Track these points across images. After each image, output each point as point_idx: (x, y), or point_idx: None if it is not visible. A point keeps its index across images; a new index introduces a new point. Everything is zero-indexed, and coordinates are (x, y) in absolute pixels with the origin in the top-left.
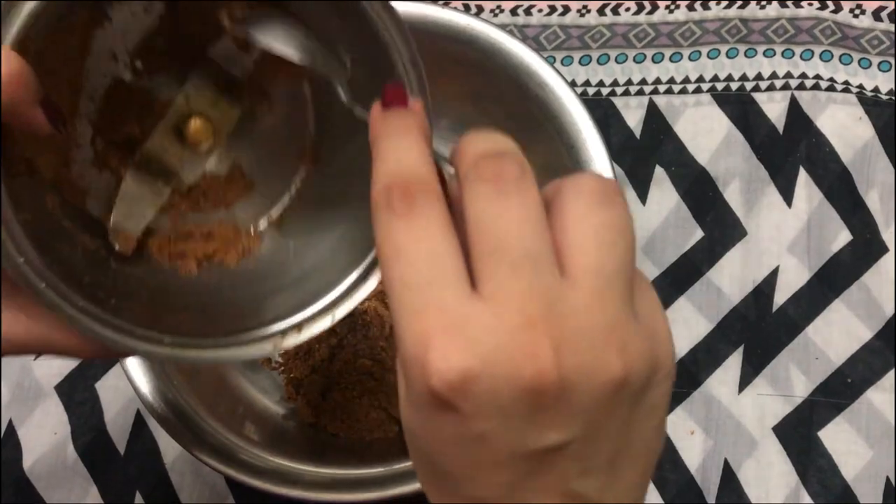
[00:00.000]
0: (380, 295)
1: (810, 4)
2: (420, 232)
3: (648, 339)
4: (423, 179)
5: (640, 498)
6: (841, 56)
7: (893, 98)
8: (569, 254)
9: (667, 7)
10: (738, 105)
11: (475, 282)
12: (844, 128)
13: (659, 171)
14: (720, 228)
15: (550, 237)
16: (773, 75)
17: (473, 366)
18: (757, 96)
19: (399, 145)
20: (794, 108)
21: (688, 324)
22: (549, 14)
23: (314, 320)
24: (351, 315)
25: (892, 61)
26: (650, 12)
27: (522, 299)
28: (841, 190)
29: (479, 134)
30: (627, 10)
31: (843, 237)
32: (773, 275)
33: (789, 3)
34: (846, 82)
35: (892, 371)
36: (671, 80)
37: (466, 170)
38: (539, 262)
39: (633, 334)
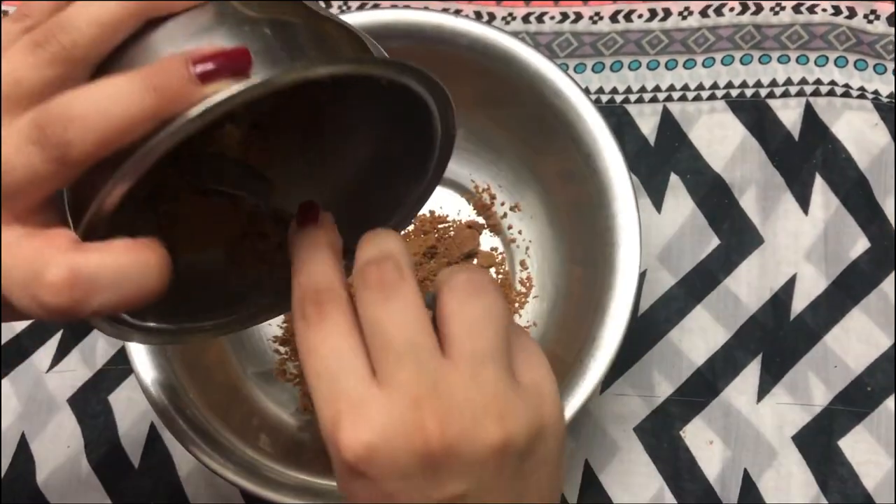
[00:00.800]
0: None
1: (824, 10)
2: (327, 334)
3: (532, 403)
4: (329, 289)
5: None
6: (856, 62)
7: None
8: (448, 342)
9: (679, 13)
10: (753, 112)
11: (375, 372)
12: (860, 134)
13: (674, 179)
14: (736, 236)
15: (430, 328)
16: (788, 81)
17: (374, 440)
18: (772, 103)
19: (309, 260)
20: (810, 115)
21: (705, 333)
22: (561, 21)
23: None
24: None
25: None
26: (663, 19)
27: (409, 383)
28: (858, 197)
29: (367, 239)
30: (640, 16)
31: (860, 244)
32: (791, 283)
33: (803, 9)
34: (861, 88)
35: None
36: (685, 87)
37: (356, 278)
38: (420, 351)
39: (513, 402)
